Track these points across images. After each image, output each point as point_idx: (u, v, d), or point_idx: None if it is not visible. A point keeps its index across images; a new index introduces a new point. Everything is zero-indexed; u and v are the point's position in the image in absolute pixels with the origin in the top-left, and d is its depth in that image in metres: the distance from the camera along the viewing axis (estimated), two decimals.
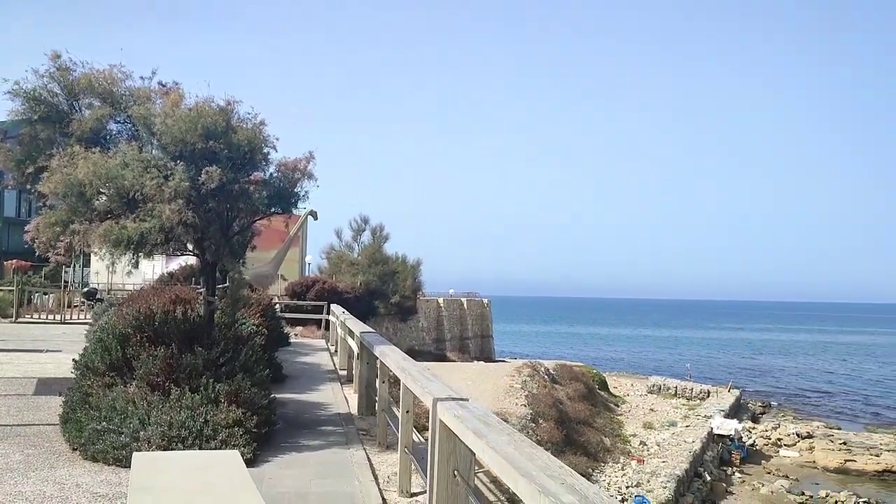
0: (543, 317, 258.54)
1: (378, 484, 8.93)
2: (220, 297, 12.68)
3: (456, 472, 5.71)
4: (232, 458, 5.19)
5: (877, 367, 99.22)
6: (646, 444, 37.09)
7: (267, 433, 10.78)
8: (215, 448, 9.05)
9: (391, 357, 9.75)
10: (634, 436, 39.43)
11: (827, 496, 32.97)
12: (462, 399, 5.99)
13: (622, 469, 30.82)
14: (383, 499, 8.36)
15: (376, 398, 11.31)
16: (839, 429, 49.33)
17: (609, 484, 28.04)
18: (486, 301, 76.67)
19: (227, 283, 12.77)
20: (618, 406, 49.70)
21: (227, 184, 9.88)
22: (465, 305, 70.95)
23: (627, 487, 27.76)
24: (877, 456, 39.83)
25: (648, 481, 28.74)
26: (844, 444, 42.92)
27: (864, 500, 32.35)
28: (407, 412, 8.39)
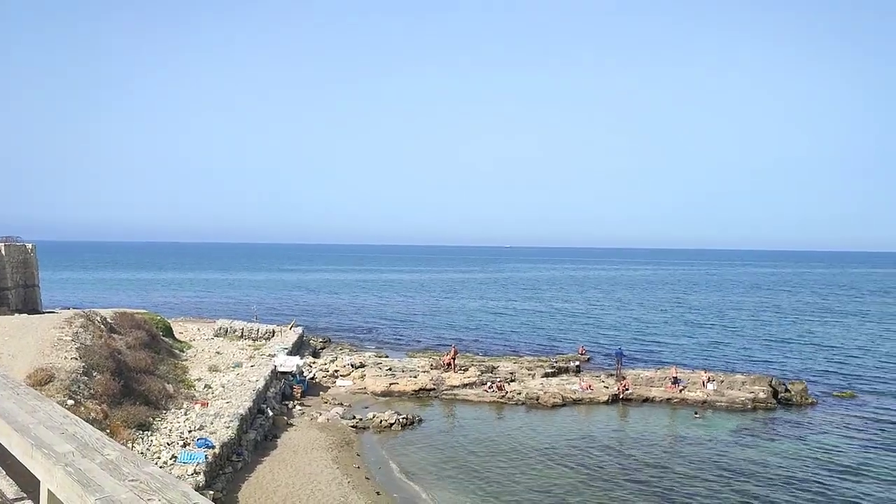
0: (105, 262, 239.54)
1: None
2: None
3: None
4: None
5: (403, 299, 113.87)
6: (211, 387, 37.08)
7: None
8: None
9: None
10: (200, 380, 39.11)
11: (374, 417, 36.98)
12: None
13: (185, 414, 30.35)
14: None
15: None
16: (387, 356, 55.50)
17: (171, 430, 27.39)
18: (30, 246, 67.73)
19: None
20: (183, 351, 48.69)
21: None
22: (3, 251, 61.82)
23: (190, 431, 27.42)
24: (415, 377, 45.83)
25: (212, 423, 28.80)
26: (390, 370, 48.46)
27: (403, 416, 37.08)
28: None
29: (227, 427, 28.40)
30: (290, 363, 43.41)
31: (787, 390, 43.65)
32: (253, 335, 59.30)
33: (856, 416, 39.75)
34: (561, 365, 51.59)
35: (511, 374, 47.72)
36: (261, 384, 36.72)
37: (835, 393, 45.54)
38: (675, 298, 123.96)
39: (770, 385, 43.52)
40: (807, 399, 43.12)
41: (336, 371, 48.33)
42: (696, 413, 40.48)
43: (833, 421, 38.67)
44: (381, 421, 36.54)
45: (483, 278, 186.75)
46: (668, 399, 43.11)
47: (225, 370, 42.54)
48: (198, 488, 22.07)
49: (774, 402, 42.21)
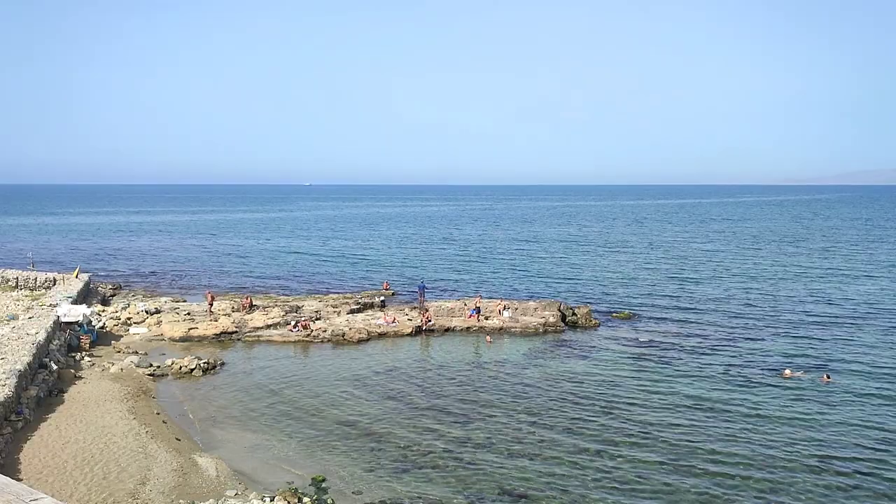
0: None
1: None
2: None
3: None
4: None
5: (196, 241, 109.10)
6: None
7: None
8: None
9: None
10: None
11: (172, 363, 35.42)
12: None
13: None
14: None
15: None
16: (185, 301, 53.05)
17: None
18: None
19: None
20: None
21: None
22: None
23: None
24: (215, 321, 44.29)
25: None
26: (189, 314, 46.44)
27: (204, 360, 35.84)
28: None
29: (3, 385, 25.95)
30: (75, 312, 40.19)
31: (573, 314, 47.30)
32: (30, 284, 54.22)
33: (631, 334, 44.02)
34: (366, 301, 52.13)
35: (316, 312, 47.55)
36: (41, 336, 33.77)
37: (614, 314, 50.05)
38: (461, 232, 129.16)
39: (559, 310, 46.95)
40: (591, 321, 47.04)
41: (129, 318, 45.48)
42: (488, 337, 42.95)
43: (613, 339, 42.60)
44: (180, 367, 35.10)
45: (280, 217, 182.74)
46: (468, 328, 45.19)
47: None
48: None
49: (563, 325, 45.62)
